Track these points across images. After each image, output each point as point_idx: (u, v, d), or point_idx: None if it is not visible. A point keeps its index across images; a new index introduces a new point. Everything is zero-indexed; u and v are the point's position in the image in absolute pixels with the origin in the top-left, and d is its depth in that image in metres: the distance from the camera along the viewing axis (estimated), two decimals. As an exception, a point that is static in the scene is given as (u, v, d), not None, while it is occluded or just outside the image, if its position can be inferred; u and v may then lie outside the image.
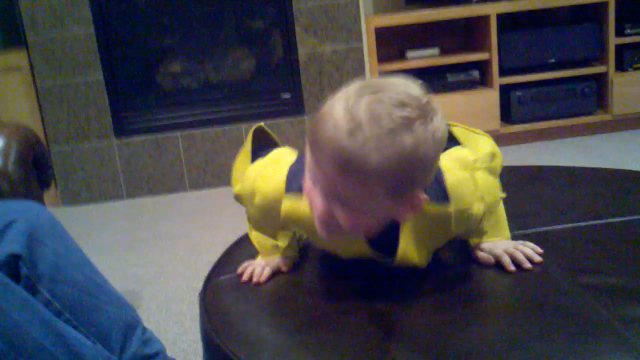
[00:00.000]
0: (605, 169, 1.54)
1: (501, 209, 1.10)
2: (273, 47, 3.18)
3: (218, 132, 3.09)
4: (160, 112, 3.11)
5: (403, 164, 0.82)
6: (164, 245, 2.51)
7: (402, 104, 0.82)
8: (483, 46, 3.14)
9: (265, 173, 1.05)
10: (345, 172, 0.83)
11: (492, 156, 1.07)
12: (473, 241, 1.08)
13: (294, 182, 1.00)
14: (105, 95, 3.02)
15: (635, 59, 3.15)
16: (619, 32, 3.12)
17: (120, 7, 3.04)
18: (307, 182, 0.91)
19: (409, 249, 0.99)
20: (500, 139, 3.11)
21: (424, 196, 0.88)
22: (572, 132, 3.22)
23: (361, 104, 0.82)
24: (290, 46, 3.05)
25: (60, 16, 2.92)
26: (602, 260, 1.05)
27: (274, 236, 1.12)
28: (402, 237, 0.98)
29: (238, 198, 1.11)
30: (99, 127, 3.05)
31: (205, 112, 3.11)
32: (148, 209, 2.98)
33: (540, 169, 1.59)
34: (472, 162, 1.01)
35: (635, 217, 1.20)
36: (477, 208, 0.99)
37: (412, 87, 0.85)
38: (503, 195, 1.07)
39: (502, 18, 3.09)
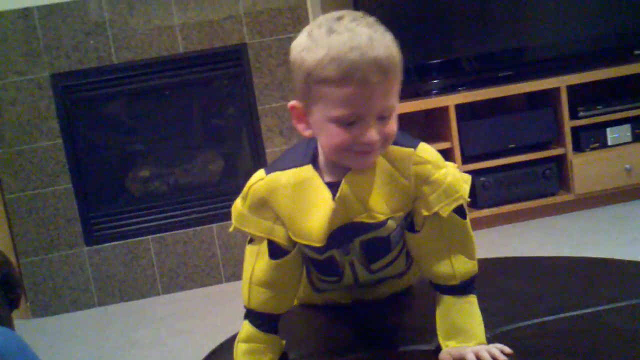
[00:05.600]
0: (571, 258, 1.58)
1: (477, 311, 1.13)
2: (240, 147, 3.24)
3: (189, 234, 3.10)
4: (130, 217, 3.11)
5: (399, 52, 1.03)
6: (138, 354, 2.47)
7: (363, 15, 1.03)
8: (444, 136, 3.23)
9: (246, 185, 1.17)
10: (386, 74, 0.99)
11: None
12: (444, 344, 1.10)
13: (271, 168, 1.15)
14: (75, 203, 3.03)
15: (591, 139, 3.26)
16: (573, 116, 3.24)
17: (88, 116, 3.09)
18: (319, 123, 1.04)
19: (371, 189, 1.10)
20: (468, 225, 3.17)
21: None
22: (538, 213, 3.29)
23: (345, 27, 1.00)
24: (257, 146, 3.11)
25: (28, 130, 2.96)
26: (569, 358, 1.07)
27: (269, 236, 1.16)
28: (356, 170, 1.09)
29: (238, 224, 1.17)
30: (68, 236, 3.04)
31: (176, 214, 3.12)
32: (120, 316, 2.93)
33: (507, 260, 1.62)
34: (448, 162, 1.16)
35: (601, 307, 1.22)
36: (440, 174, 1.10)
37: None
38: (466, 198, 1.13)
39: (460, 108, 3.20)
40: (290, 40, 3.26)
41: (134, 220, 3.11)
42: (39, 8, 2.92)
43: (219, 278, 3.11)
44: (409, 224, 1.16)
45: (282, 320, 1.22)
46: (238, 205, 1.17)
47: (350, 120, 1.01)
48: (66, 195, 3.02)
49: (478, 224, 3.24)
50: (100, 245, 3.07)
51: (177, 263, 3.10)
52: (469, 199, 1.12)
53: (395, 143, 1.10)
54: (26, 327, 2.88)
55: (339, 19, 1.01)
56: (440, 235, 1.12)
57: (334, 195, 1.09)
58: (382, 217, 1.11)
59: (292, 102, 1.08)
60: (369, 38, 0.98)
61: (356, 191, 1.09)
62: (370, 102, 0.99)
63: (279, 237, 1.15)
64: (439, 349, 1.12)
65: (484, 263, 1.55)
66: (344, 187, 1.09)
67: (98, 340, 2.68)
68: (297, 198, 1.12)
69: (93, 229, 3.08)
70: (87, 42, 2.97)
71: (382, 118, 1.02)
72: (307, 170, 1.12)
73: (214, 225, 3.09)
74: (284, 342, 1.22)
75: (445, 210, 1.10)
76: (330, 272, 1.23)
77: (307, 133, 1.09)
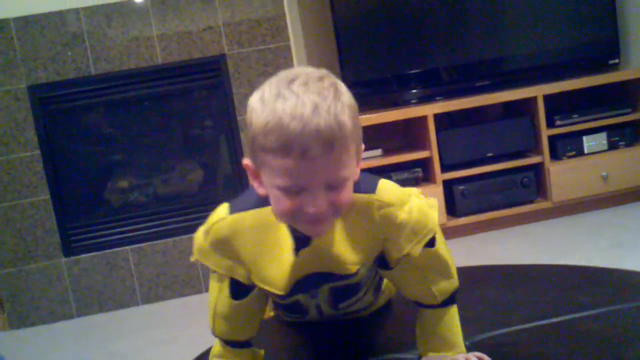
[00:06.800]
0: (547, 265, 1.59)
1: (457, 321, 1.14)
2: (219, 157, 3.23)
3: (168, 244, 3.09)
4: (109, 228, 3.09)
5: (355, 116, 0.96)
6: (118, 366, 2.45)
7: (320, 77, 0.96)
8: (423, 145, 3.25)
9: (209, 218, 1.15)
10: (330, 147, 0.91)
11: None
12: (424, 353, 1.11)
13: (235, 207, 1.12)
14: (53, 214, 3.01)
15: (568, 147, 3.30)
16: (550, 124, 3.28)
17: (66, 127, 3.07)
18: (267, 186, 1.00)
19: (340, 242, 1.07)
20: (447, 232, 3.19)
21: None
22: (516, 220, 3.31)
23: (292, 92, 0.93)
24: (236, 156, 3.11)
25: (6, 141, 2.94)
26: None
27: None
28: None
29: (199, 256, 1.17)
30: (46, 247, 3.01)
31: (155, 225, 3.11)
32: (99, 327, 2.91)
33: (485, 268, 1.64)
34: (408, 190, 1.11)
35: (578, 314, 1.24)
36: (405, 214, 1.06)
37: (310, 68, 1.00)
38: (436, 225, 1.10)
39: (439, 118, 3.22)
40: (270, 51, 3.28)
41: (112, 230, 3.09)
42: (15, 19, 2.90)
43: (199, 288, 3.10)
44: (382, 263, 1.15)
45: (262, 333, 1.22)
46: (200, 237, 1.15)
47: (294, 190, 0.95)
48: (44, 207, 3.00)
49: (457, 232, 3.27)
50: (79, 256, 3.05)
51: (156, 273, 3.09)
52: (438, 223, 1.11)
53: (354, 190, 1.03)
54: (3, 339, 2.85)
55: (291, 81, 0.96)
56: (416, 268, 1.12)
57: (297, 241, 1.07)
58: (354, 268, 1.10)
59: (245, 160, 1.06)
60: (314, 106, 0.91)
61: (325, 245, 1.07)
62: (312, 175, 0.93)
63: (240, 275, 1.13)
64: (418, 358, 1.12)
65: (462, 271, 1.57)
66: (313, 245, 1.07)
67: (77, 351, 2.66)
68: (260, 242, 1.09)
69: (71, 240, 3.06)
70: (64, 53, 2.96)
71: (332, 187, 0.96)
72: (270, 211, 1.07)
73: (193, 235, 3.06)
74: (262, 351, 1.22)
75: (416, 249, 1.08)
76: (295, 311, 1.25)
77: (262, 191, 1.04)
